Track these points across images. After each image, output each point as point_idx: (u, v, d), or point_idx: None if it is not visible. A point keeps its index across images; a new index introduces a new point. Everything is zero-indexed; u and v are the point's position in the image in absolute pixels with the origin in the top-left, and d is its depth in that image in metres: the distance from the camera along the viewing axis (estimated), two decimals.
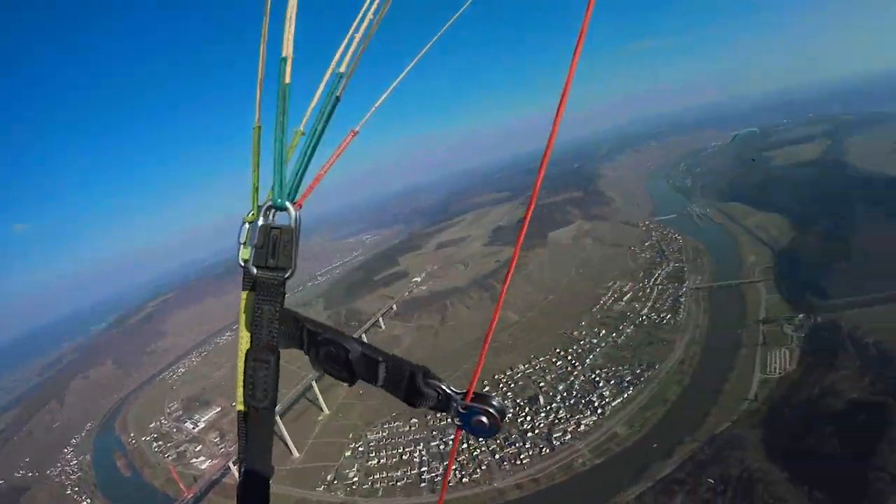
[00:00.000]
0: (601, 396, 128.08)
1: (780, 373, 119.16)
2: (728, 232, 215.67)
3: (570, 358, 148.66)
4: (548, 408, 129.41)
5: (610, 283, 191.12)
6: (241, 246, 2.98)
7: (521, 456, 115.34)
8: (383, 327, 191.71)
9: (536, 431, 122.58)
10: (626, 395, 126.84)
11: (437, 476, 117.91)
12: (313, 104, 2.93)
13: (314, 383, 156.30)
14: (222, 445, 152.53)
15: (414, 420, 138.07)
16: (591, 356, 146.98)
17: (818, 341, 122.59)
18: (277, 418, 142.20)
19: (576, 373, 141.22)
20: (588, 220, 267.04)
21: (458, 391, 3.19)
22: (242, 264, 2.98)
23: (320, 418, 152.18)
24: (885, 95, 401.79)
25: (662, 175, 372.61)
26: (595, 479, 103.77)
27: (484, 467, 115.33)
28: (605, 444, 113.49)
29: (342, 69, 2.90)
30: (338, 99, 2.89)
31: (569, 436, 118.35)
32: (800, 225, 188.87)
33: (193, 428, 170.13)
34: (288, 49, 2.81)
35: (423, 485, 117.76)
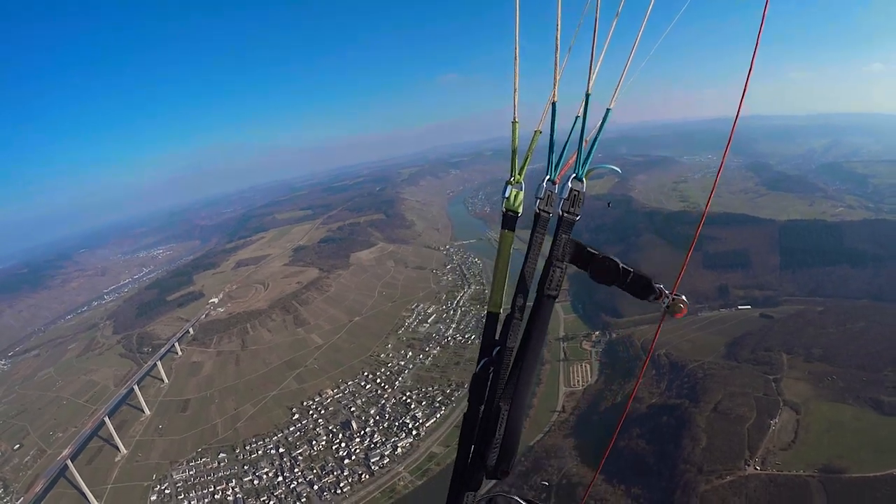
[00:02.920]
0: (414, 418, 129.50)
1: (583, 385, 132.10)
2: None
3: (379, 381, 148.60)
4: (362, 433, 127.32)
5: (414, 305, 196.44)
6: (505, 199, 4.37)
7: (341, 484, 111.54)
8: (180, 353, 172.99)
9: (353, 458, 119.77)
10: (438, 415, 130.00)
11: None
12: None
13: (107, 419, 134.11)
14: (7, 498, 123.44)
15: (222, 455, 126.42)
16: (400, 378, 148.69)
17: (615, 355, 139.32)
18: (69, 462, 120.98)
19: (386, 395, 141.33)
20: (390, 242, 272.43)
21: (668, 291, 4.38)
22: (504, 210, 4.38)
23: (117, 459, 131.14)
24: (667, 142, 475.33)
25: (462, 201, 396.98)
26: (420, 499, 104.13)
27: (304, 500, 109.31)
28: (425, 465, 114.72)
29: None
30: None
31: (387, 459, 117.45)
32: None
33: None
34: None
35: None
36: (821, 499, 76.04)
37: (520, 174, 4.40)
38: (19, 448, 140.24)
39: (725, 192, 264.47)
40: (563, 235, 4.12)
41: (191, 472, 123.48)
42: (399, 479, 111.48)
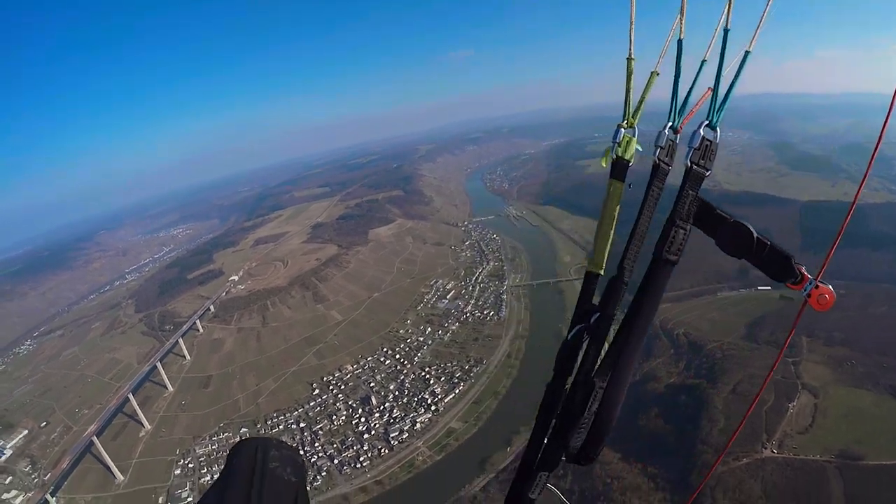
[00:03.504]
0: (433, 393, 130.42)
1: None
2: (544, 233, 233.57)
3: (398, 356, 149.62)
4: (381, 408, 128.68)
5: (433, 282, 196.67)
6: (616, 144, 4.01)
7: (361, 458, 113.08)
8: (201, 330, 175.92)
9: (373, 432, 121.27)
10: (457, 391, 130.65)
11: None
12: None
13: (131, 395, 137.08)
14: (35, 475, 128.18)
15: (244, 430, 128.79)
16: (419, 354, 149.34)
17: None
18: (95, 438, 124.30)
19: (406, 371, 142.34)
20: (409, 218, 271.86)
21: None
22: (615, 157, 4.03)
23: (142, 434, 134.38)
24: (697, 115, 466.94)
25: (480, 178, 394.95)
26: (439, 474, 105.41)
27: (324, 474, 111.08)
28: (444, 440, 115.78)
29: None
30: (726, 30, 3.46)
31: (406, 434, 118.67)
32: None
33: None
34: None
35: None
36: (837, 484, 75.30)
37: (633, 117, 4.01)
38: (46, 426, 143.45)
39: (746, 170, 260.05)
40: (690, 192, 3.69)
41: (213, 447, 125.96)
42: (418, 454, 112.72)
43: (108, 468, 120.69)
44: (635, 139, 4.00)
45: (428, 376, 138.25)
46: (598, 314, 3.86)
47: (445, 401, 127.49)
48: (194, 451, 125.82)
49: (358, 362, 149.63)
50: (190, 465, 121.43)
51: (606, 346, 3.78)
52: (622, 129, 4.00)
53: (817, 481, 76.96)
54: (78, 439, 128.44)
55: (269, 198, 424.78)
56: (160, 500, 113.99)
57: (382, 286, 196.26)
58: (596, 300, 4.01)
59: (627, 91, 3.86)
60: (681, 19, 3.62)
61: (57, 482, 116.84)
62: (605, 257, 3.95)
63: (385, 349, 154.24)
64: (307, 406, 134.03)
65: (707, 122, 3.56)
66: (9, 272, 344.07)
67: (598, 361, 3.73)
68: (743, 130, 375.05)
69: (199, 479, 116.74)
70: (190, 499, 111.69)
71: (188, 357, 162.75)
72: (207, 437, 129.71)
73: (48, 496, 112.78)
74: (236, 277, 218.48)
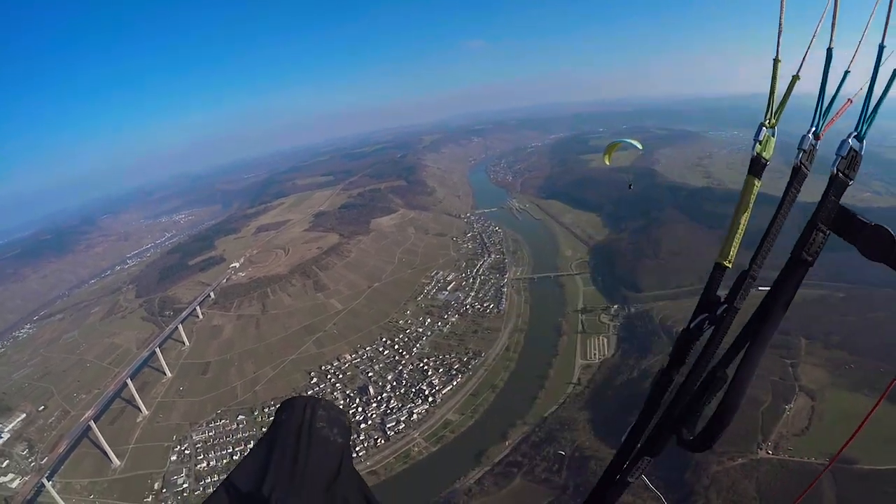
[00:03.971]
0: (431, 385, 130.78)
1: (600, 358, 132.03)
2: (546, 227, 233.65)
3: (397, 347, 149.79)
4: (378, 398, 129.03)
5: (434, 273, 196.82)
6: (757, 143, 4.12)
7: (357, 448, 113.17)
8: (201, 317, 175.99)
9: (370, 422, 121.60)
10: (455, 383, 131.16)
11: None
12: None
13: (129, 380, 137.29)
14: (32, 458, 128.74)
15: (241, 417, 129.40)
16: (418, 345, 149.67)
17: (633, 329, 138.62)
18: (92, 423, 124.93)
19: (404, 361, 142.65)
20: (411, 208, 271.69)
21: None
22: (755, 154, 4.12)
23: (139, 420, 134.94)
24: (694, 117, 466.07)
25: (484, 169, 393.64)
26: (434, 465, 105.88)
27: None
28: (440, 432, 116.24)
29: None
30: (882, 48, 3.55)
31: (402, 425, 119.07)
32: (613, 224, 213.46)
33: None
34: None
35: None
36: (830, 488, 75.16)
37: (775, 118, 4.17)
38: (44, 409, 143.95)
39: (745, 171, 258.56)
40: (832, 198, 3.84)
41: (210, 434, 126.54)
42: (414, 445, 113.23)
43: (105, 453, 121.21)
44: (774, 139, 4.16)
45: (426, 367, 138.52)
46: (725, 306, 3.92)
47: (443, 392, 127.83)
48: (191, 437, 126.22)
49: (356, 352, 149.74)
50: (186, 452, 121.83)
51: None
52: (764, 128, 4.15)
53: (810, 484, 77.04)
54: (75, 424, 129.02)
55: (274, 185, 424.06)
56: (156, 485, 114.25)
57: (383, 276, 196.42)
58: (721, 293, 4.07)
59: (771, 91, 4.02)
60: (832, 29, 3.77)
61: (54, 466, 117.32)
62: (735, 251, 4.10)
63: (384, 339, 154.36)
64: (305, 394, 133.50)
65: (856, 133, 3.71)
66: (10, 255, 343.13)
67: (721, 352, 3.82)
68: (749, 129, 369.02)
69: (196, 465, 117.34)
70: (186, 485, 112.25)
71: (187, 343, 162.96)
72: (204, 424, 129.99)
73: (45, 480, 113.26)
74: (237, 264, 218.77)
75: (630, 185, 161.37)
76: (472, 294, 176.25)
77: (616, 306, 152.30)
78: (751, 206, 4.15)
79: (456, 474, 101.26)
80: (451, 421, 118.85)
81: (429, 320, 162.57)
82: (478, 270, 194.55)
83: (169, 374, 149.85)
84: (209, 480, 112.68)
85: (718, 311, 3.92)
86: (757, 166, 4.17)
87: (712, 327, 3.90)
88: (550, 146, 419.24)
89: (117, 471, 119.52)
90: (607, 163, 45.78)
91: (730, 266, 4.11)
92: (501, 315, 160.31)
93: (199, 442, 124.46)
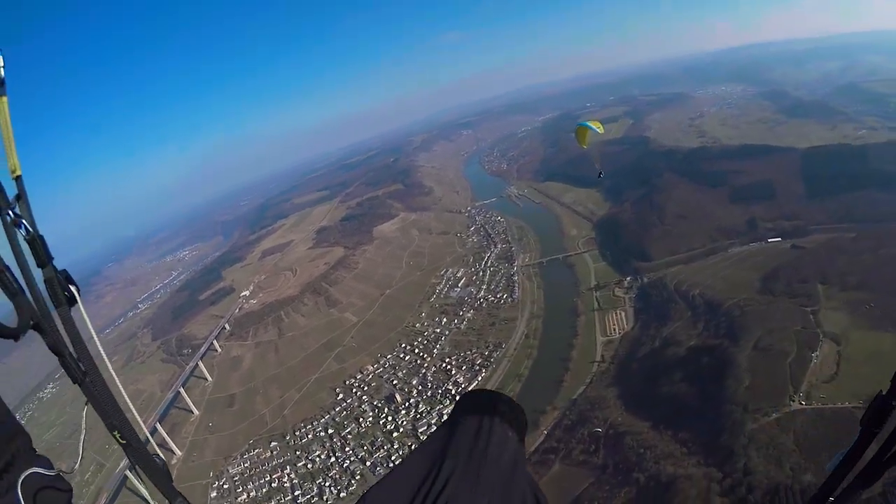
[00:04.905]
0: (456, 383, 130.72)
1: (620, 332, 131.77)
2: (548, 209, 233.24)
3: (417, 351, 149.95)
4: (406, 404, 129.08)
5: (443, 272, 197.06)
6: None
7: (393, 457, 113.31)
8: (220, 350, 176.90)
9: (401, 430, 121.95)
10: (480, 378, 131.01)
11: (313, 497, 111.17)
12: None
13: (158, 424, 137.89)
14: None
15: (273, 443, 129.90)
16: (437, 345, 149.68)
17: (649, 299, 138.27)
18: (128, 472, 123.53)
19: (426, 364, 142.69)
20: (411, 211, 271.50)
21: None
22: None
23: (174, 461, 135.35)
24: (678, 78, 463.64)
25: (478, 161, 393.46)
26: None
27: (358, 477, 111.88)
28: None
29: None
30: None
31: (434, 427, 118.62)
32: (614, 197, 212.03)
33: None
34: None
35: None
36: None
37: None
38: (78, 466, 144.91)
39: (743, 122, 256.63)
40: None
41: (246, 465, 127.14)
42: None
43: (147, 501, 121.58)
44: None
45: (449, 367, 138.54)
46: None
47: (469, 389, 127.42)
48: (227, 471, 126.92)
49: (378, 362, 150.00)
50: (225, 486, 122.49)
51: None
52: None
53: (849, 429, 76.43)
54: (111, 475, 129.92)
55: (271, 207, 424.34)
56: None
57: (393, 282, 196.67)
58: None
59: None
60: None
61: None
62: None
63: (403, 345, 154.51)
64: (333, 412, 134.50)
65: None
66: None
67: None
68: (735, 83, 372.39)
69: (236, 498, 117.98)
70: None
71: (210, 378, 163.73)
72: (238, 456, 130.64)
73: None
74: (247, 292, 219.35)
75: (600, 174, 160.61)
76: (484, 287, 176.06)
77: (629, 279, 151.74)
78: None
79: None
80: None
81: (445, 319, 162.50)
82: (486, 263, 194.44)
83: (196, 411, 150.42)
84: None
85: None
86: None
87: None
88: (541, 128, 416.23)
89: None
90: (584, 146, 45.52)
91: None
92: (516, 304, 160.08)
93: (236, 475, 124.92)
